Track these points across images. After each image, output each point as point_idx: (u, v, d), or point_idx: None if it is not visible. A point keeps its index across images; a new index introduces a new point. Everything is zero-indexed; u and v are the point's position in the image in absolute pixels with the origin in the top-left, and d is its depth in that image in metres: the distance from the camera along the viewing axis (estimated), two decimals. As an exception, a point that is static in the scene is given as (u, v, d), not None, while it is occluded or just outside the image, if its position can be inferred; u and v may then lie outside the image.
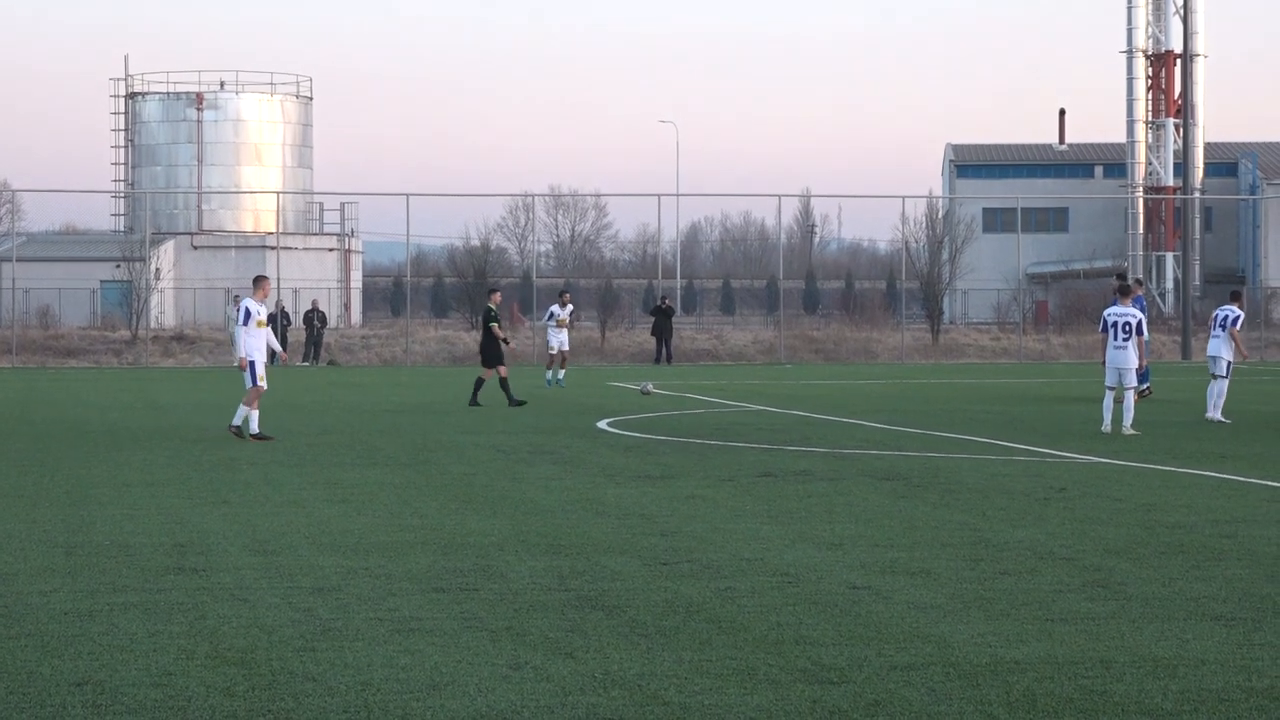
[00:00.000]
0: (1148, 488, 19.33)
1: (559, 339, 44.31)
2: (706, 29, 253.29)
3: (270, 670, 9.74)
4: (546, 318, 45.87)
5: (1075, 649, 10.26)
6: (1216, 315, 30.72)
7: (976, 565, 13.49)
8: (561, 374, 43.72)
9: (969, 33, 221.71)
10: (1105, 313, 27.84)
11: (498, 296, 37.29)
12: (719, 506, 17.58)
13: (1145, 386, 34.43)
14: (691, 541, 14.88)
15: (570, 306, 46.29)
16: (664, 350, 62.43)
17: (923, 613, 11.50)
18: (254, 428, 25.82)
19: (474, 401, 35.08)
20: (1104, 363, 27.54)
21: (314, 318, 62.33)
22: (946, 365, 62.32)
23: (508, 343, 36.39)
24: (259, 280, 26.85)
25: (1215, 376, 30.12)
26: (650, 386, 40.12)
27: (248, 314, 26.12)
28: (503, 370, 35.42)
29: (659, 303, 64.44)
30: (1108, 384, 27.45)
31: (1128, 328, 27.11)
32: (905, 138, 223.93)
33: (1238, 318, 30.37)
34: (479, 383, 35.55)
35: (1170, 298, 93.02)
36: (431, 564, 13.57)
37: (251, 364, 25.91)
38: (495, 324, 35.72)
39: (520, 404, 34.48)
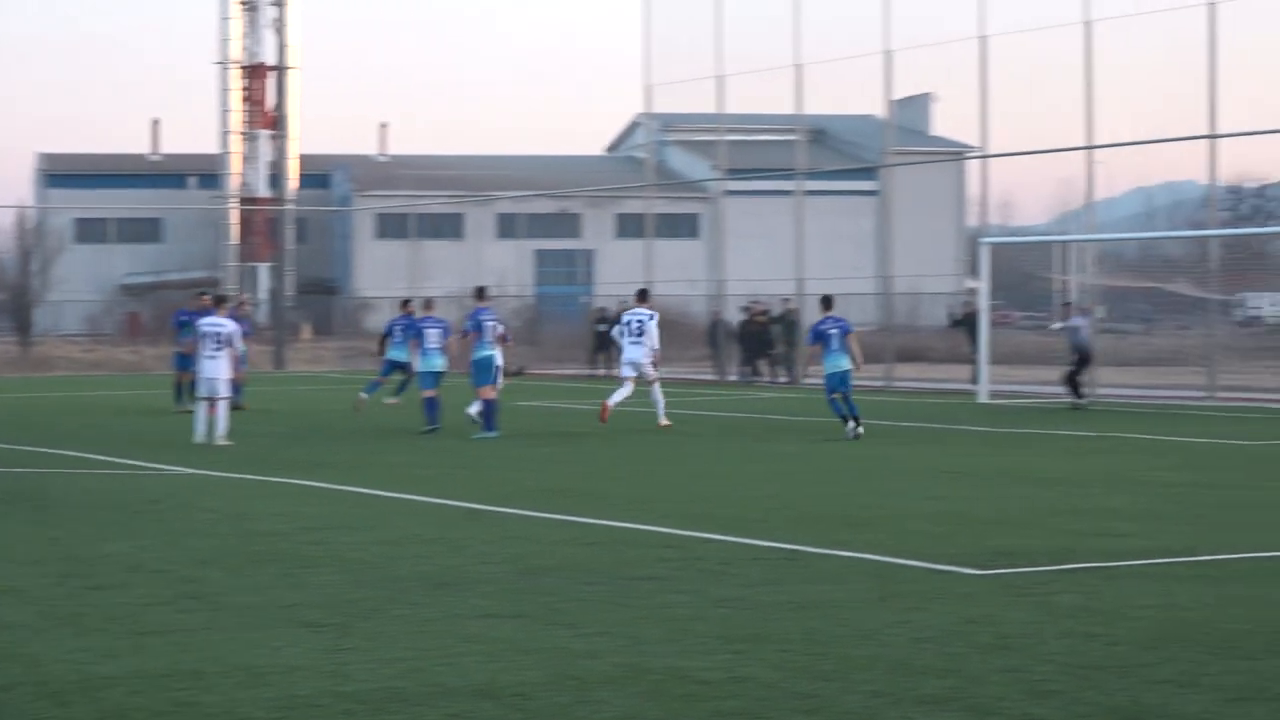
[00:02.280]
0: (241, 497, 19.39)
1: None
2: None
3: None
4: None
5: (167, 661, 10.14)
6: (629, 321, 30.85)
7: (66, 581, 13.16)
8: None
9: (57, 39, 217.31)
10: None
11: None
12: None
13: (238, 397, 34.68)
14: None
15: None
16: None
17: (11, 632, 11.12)
18: None
19: None
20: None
21: None
22: (37, 379, 60.77)
23: None
24: None
25: (648, 383, 30.55)
26: None
27: None
28: None
29: None
30: (202, 395, 27.43)
31: (218, 339, 27.16)
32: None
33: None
34: None
35: (265, 308, 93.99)
36: None
37: None
38: None
39: None
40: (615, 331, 31.84)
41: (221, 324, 27.44)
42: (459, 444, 27.32)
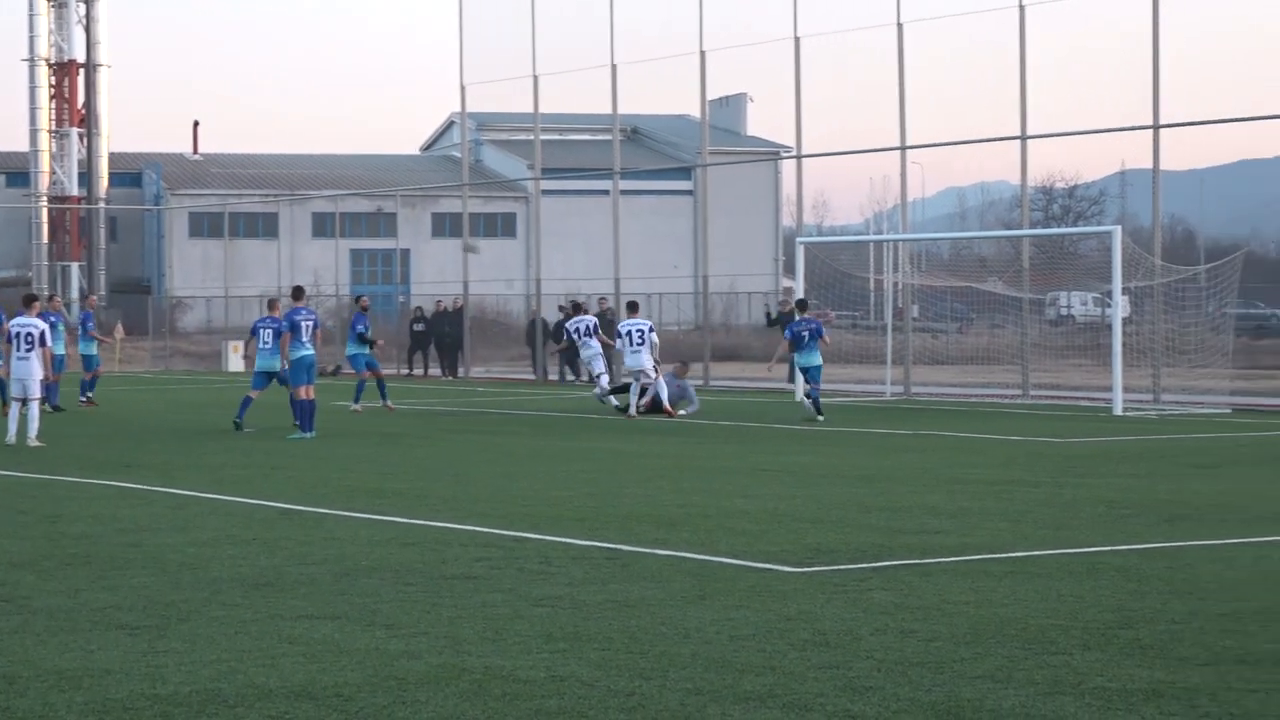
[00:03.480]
0: (53, 499, 19.11)
1: None
2: None
3: None
4: None
5: (-24, 667, 9.96)
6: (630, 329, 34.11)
7: (-128, 586, 12.88)
8: None
9: None
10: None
11: None
12: None
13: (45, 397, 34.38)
14: None
15: None
16: None
17: None
18: None
19: None
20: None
21: None
22: None
23: None
24: None
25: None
26: None
27: None
28: None
29: None
30: (14, 395, 27.05)
31: (30, 338, 26.78)
32: None
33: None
34: None
35: (75, 307, 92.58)
36: None
37: None
38: None
39: None
40: (613, 337, 35.16)
41: (33, 324, 27.02)
42: (276, 445, 27.11)
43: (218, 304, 79.31)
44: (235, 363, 61.36)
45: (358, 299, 38.82)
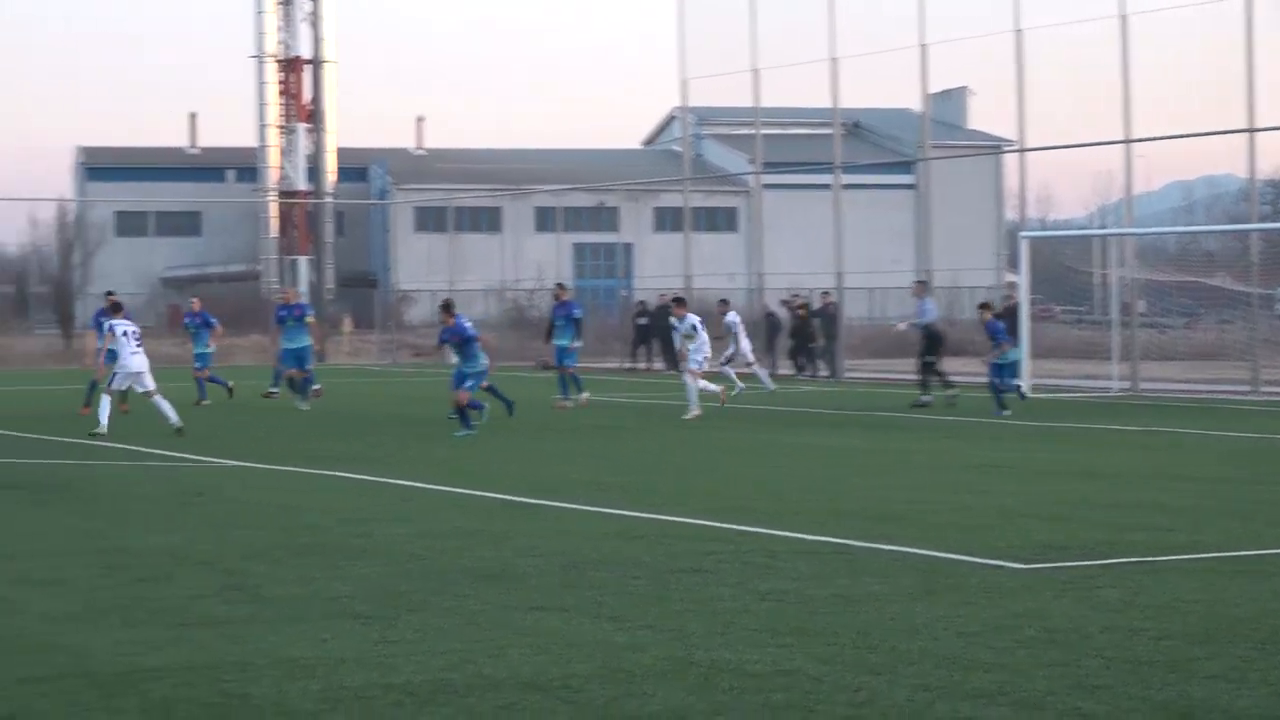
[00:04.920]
0: (284, 489, 19.45)
1: None
2: None
3: None
4: None
5: (213, 653, 10.17)
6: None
7: (112, 573, 13.22)
8: None
9: (95, 34, 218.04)
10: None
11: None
12: None
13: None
14: None
15: None
16: None
17: (56, 624, 11.17)
18: None
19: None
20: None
21: None
22: (79, 371, 60.88)
23: None
24: None
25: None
26: None
27: None
28: None
29: None
30: (120, 388, 28.41)
31: (138, 335, 27.91)
32: (32, 139, 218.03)
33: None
34: None
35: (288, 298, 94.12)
36: None
37: None
38: None
39: None
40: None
41: (127, 324, 28.28)
42: (506, 440, 27.33)
43: (442, 298, 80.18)
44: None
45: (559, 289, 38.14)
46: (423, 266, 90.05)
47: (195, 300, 39.90)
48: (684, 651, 10.18)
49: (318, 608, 11.71)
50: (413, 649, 10.29)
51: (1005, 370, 33.09)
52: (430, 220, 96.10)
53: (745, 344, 41.26)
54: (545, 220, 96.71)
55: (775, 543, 14.79)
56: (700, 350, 32.76)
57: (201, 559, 13.97)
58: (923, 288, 37.13)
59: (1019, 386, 33.75)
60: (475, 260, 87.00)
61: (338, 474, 21.22)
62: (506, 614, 11.43)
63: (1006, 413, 32.02)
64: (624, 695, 9.11)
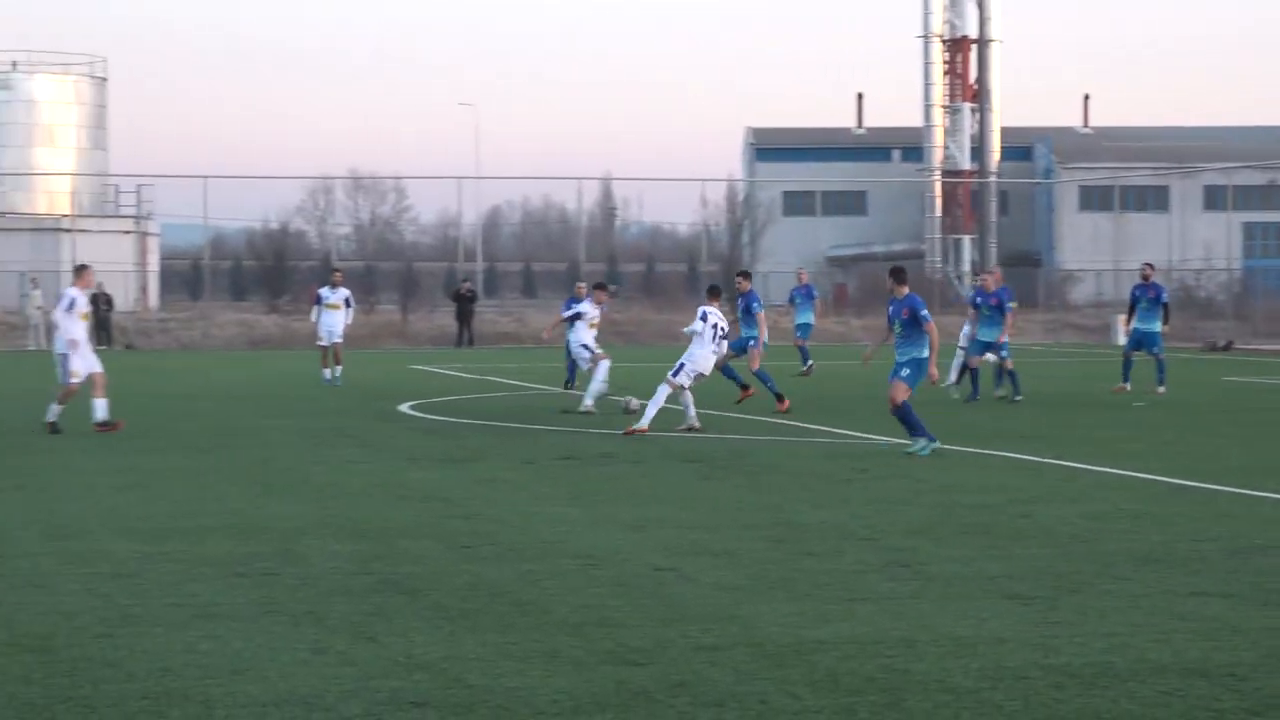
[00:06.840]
0: (946, 468, 19.54)
1: (329, 327, 36.53)
2: (505, 8, 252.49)
3: (69, 657, 9.56)
4: (315, 302, 37.57)
5: (877, 628, 10.35)
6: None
7: (780, 546, 13.57)
8: (339, 371, 36.33)
9: (768, 16, 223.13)
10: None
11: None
12: (521, 489, 17.54)
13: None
14: (493, 525, 14.82)
15: (344, 289, 37.54)
16: (465, 333, 62.37)
17: (726, 594, 11.53)
18: (99, 416, 24.70)
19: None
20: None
21: (99, 300, 61.07)
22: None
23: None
24: (81, 269, 25.64)
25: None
26: (634, 403, 27.51)
27: (72, 303, 24.80)
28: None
29: (460, 289, 64.26)
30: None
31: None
32: (705, 121, 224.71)
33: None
34: None
35: (968, 280, 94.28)
36: (231, 549, 13.40)
37: (64, 357, 24.68)
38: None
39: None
40: None
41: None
42: (1163, 417, 26.81)
43: (1107, 277, 79.05)
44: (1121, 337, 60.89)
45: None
46: (1087, 246, 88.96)
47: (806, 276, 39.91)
48: (1356, 644, 9.83)
49: (978, 586, 11.77)
50: (1074, 630, 10.25)
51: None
52: (1095, 199, 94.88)
53: None
54: (1214, 199, 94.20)
55: None
56: None
57: (865, 535, 14.19)
58: None
59: None
60: (1140, 240, 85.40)
61: (1002, 454, 21.19)
62: (1169, 599, 11.26)
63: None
64: (1292, 686, 8.87)
